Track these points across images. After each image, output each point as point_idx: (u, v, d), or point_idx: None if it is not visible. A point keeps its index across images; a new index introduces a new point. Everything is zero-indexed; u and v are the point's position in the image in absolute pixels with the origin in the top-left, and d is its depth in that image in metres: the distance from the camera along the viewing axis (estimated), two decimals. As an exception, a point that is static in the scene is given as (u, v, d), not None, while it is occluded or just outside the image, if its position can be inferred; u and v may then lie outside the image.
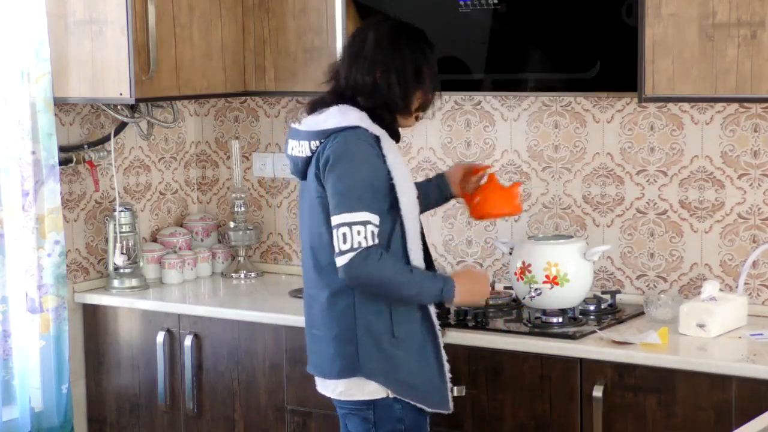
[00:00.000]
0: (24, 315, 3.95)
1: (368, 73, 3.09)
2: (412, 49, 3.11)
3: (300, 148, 3.14)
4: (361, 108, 3.10)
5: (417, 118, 3.21)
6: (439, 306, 3.19)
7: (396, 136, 3.17)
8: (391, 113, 3.14)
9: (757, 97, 3.26)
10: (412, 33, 3.15)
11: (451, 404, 3.18)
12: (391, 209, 3.06)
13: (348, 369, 3.11)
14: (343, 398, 3.15)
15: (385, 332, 3.08)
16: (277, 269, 4.49)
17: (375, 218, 2.99)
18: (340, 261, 2.99)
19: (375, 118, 3.10)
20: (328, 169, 3.04)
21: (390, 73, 3.09)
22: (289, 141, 3.20)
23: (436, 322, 3.16)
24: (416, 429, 3.17)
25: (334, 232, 3.00)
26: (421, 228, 3.17)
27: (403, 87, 3.10)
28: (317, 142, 3.09)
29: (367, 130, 3.05)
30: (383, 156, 3.05)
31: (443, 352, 3.17)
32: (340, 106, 3.10)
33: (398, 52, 3.09)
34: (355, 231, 2.97)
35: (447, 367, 3.18)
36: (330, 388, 3.17)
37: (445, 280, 3.08)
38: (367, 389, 3.11)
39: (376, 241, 2.99)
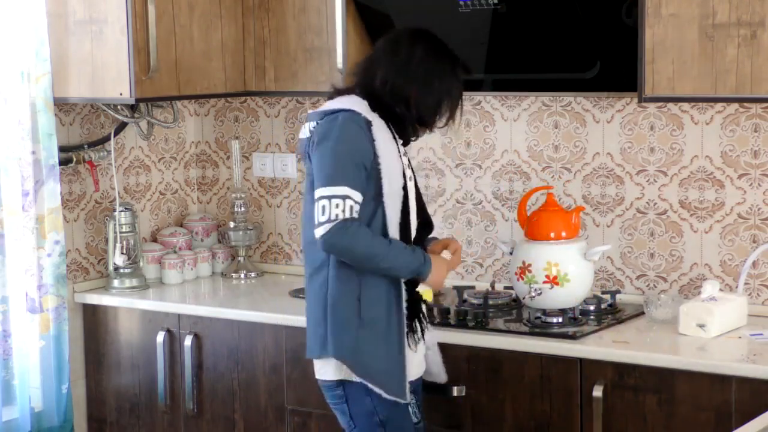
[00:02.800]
0: (24, 315, 3.95)
1: (408, 85, 3.14)
2: (452, 74, 3.18)
3: (303, 131, 3.21)
4: (380, 108, 3.16)
5: (430, 131, 3.28)
6: (413, 291, 3.20)
7: (407, 140, 3.25)
8: (412, 124, 3.21)
9: (757, 97, 3.26)
10: (452, 57, 3.20)
11: (407, 395, 3.15)
12: (376, 194, 3.11)
13: (321, 347, 3.16)
14: (319, 377, 3.23)
15: (352, 313, 3.12)
16: (277, 269, 4.49)
17: (356, 194, 3.06)
18: (319, 232, 3.06)
19: (393, 119, 3.18)
20: (316, 145, 3.12)
21: (429, 91, 3.15)
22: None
23: (404, 311, 3.16)
24: (394, 423, 3.18)
25: (315, 205, 3.07)
26: (410, 219, 3.21)
27: (435, 107, 3.18)
28: (315, 123, 3.16)
29: (360, 114, 3.11)
30: (373, 140, 3.10)
31: (407, 342, 3.17)
32: (352, 96, 3.18)
33: (441, 73, 3.15)
34: (333, 204, 3.04)
35: (410, 357, 3.17)
36: (315, 368, 3.25)
37: (425, 257, 3.15)
38: (334, 368, 3.17)
39: (355, 215, 3.05)
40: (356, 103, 3.14)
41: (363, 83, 3.20)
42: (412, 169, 3.29)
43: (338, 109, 3.13)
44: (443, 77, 3.17)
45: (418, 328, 3.23)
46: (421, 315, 3.24)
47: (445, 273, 3.23)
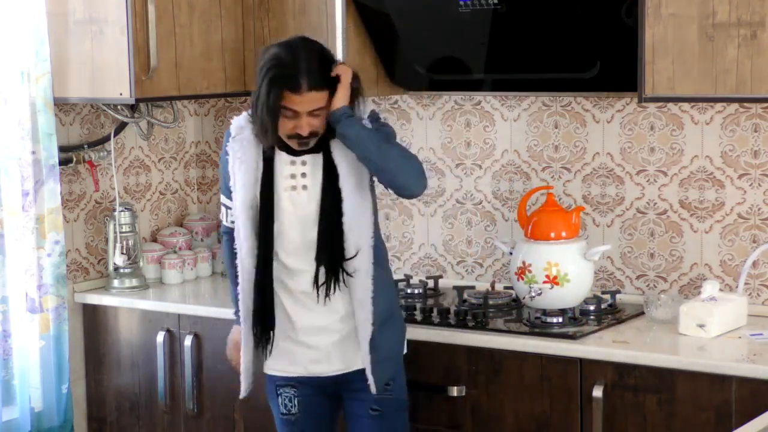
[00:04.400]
0: (24, 315, 3.95)
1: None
2: (266, 90, 3.09)
3: None
4: None
5: (298, 144, 3.16)
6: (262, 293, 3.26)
7: (287, 150, 3.19)
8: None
9: (757, 97, 3.25)
10: (282, 70, 3.07)
11: (242, 391, 3.34)
12: None
13: None
14: None
15: None
16: (277, 269, 4.48)
17: (230, 202, 3.31)
18: None
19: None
20: None
21: (254, 103, 3.16)
22: None
23: (251, 312, 3.28)
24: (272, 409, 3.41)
25: None
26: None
27: (259, 121, 3.12)
28: None
29: (230, 125, 3.28)
30: (227, 153, 3.26)
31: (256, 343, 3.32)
32: None
33: (258, 89, 3.12)
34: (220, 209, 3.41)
35: (267, 354, 3.30)
36: None
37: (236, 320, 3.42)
38: None
39: (227, 221, 3.33)
40: (240, 117, 3.28)
41: None
42: (326, 182, 3.17)
43: None
44: (257, 94, 3.12)
45: (266, 333, 3.27)
46: (269, 319, 3.27)
47: (230, 350, 3.49)
